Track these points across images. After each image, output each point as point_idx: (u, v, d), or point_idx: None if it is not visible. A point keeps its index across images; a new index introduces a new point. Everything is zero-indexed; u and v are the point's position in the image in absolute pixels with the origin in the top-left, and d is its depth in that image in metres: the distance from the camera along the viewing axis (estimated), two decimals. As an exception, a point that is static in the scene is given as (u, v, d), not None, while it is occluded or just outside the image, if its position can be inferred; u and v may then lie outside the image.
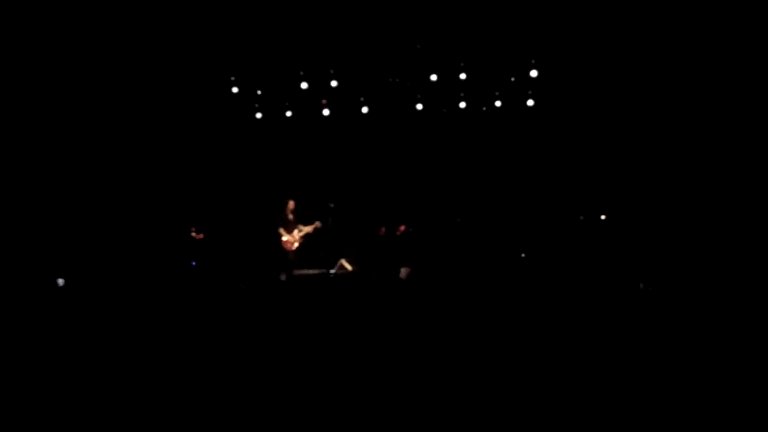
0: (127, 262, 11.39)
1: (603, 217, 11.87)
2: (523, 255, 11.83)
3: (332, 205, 11.28)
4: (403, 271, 10.45)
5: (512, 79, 12.30)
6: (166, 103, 12.52)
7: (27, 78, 10.86)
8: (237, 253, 12.29)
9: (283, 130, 13.49)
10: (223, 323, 6.80)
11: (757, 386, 4.22)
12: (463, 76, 12.24)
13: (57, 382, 4.61)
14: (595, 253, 11.02)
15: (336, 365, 4.93)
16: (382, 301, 8.27)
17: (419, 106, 12.81)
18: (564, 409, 3.89)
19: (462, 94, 12.64)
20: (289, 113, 13.15)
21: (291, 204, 11.12)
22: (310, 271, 10.81)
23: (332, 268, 10.83)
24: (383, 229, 11.88)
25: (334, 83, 12.49)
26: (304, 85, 12.51)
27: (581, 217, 11.99)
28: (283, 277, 10.54)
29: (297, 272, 10.81)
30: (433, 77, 12.29)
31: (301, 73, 12.47)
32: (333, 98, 12.86)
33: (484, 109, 12.74)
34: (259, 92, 13.01)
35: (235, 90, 12.83)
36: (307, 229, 11.05)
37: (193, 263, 12.02)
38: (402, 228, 11.75)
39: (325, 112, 12.96)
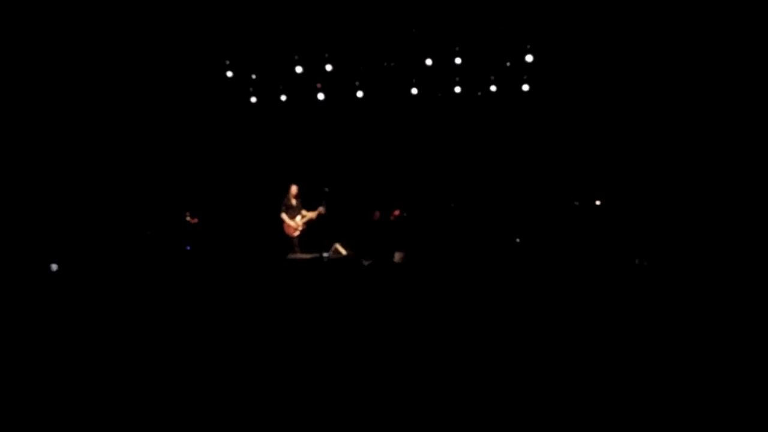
0: (120, 246, 11.35)
1: (598, 202, 11.88)
2: (517, 240, 11.82)
3: (327, 190, 11.24)
4: (397, 256, 10.44)
5: (507, 63, 12.25)
6: (160, 87, 12.45)
7: (14, 57, 10.76)
8: (231, 238, 12.25)
9: (277, 114, 13.42)
10: (217, 309, 6.78)
11: (755, 366, 4.23)
12: (458, 60, 12.20)
13: (51, 368, 4.59)
14: (590, 237, 11.02)
15: (330, 351, 4.92)
16: (376, 286, 8.26)
17: (414, 91, 12.76)
18: (562, 392, 3.89)
19: (457, 79, 12.60)
20: (283, 97, 13.09)
21: (294, 189, 11.05)
22: (304, 256, 10.77)
23: (327, 252, 10.79)
24: (377, 214, 11.87)
25: (329, 67, 12.42)
26: (298, 69, 12.44)
27: (576, 203, 11.99)
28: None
29: (291, 257, 10.78)
30: (428, 62, 12.24)
31: (296, 57, 12.40)
32: (328, 82, 12.80)
33: (479, 93, 12.70)
34: (253, 76, 12.94)
35: (229, 74, 12.76)
36: (311, 214, 10.98)
37: (188, 248, 12.00)
38: (396, 212, 11.75)
39: (320, 96, 12.90)
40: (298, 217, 10.89)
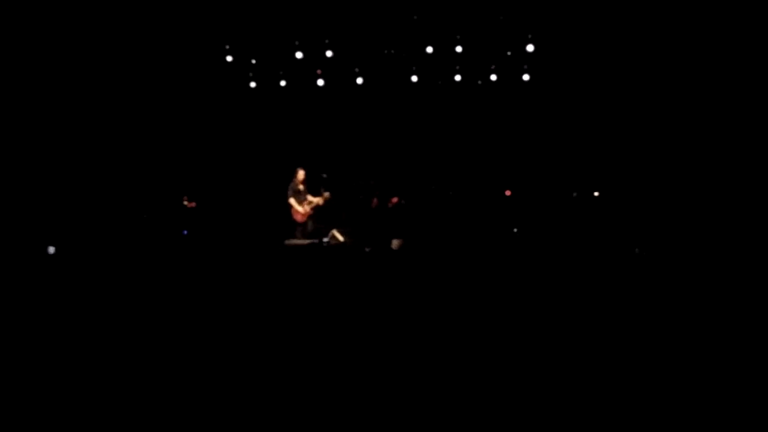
0: (118, 230, 11.33)
1: (596, 194, 11.89)
2: (515, 230, 11.83)
3: (324, 176, 11.21)
4: (395, 243, 10.44)
5: (508, 53, 12.23)
6: (158, 72, 12.39)
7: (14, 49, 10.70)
8: (228, 223, 12.24)
9: (276, 99, 13.38)
10: (214, 293, 6.77)
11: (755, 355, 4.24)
12: (459, 48, 12.16)
13: (47, 352, 4.57)
14: (588, 227, 11.04)
15: (326, 338, 4.91)
16: (374, 273, 8.26)
17: (414, 78, 12.73)
18: (561, 384, 3.89)
19: (457, 67, 12.57)
20: (283, 83, 13.05)
21: (301, 173, 10.95)
22: (302, 242, 10.75)
23: (326, 237, 10.78)
24: (376, 201, 11.86)
25: (329, 53, 12.38)
26: (298, 55, 12.39)
27: (574, 194, 11.99)
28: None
29: (288, 242, 10.76)
30: (429, 49, 12.20)
31: (296, 42, 12.35)
32: (328, 68, 12.75)
33: (480, 82, 12.68)
34: (253, 61, 12.89)
35: (229, 59, 12.71)
36: (317, 200, 10.92)
37: (185, 232, 11.98)
38: (394, 200, 11.74)
39: (320, 82, 12.85)
40: (305, 203, 10.82)
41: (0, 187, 10.48)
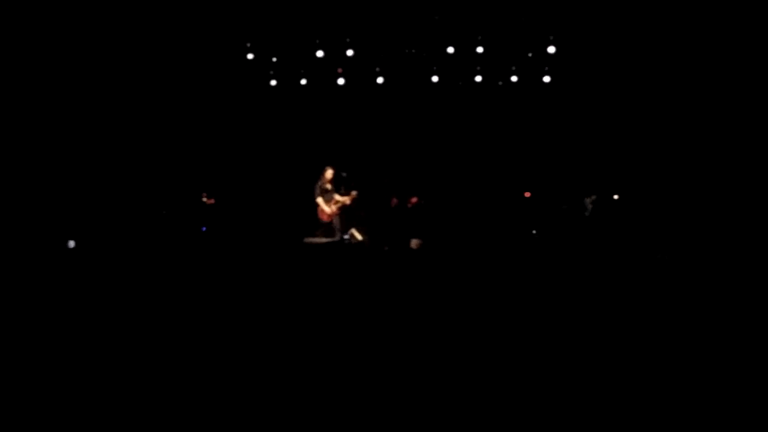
0: (137, 225, 11.38)
1: (616, 197, 11.79)
2: (534, 231, 11.77)
3: (344, 175, 11.19)
4: (414, 243, 10.42)
5: (529, 54, 12.18)
6: (180, 68, 12.44)
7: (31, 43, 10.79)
8: (247, 220, 12.26)
9: (297, 97, 13.39)
10: (232, 290, 6.78)
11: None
12: (480, 49, 12.12)
13: (65, 345, 4.60)
14: (609, 229, 10.96)
15: (344, 338, 4.89)
16: (393, 272, 8.25)
17: (435, 78, 12.70)
18: (577, 383, 3.86)
19: (478, 68, 12.53)
20: (303, 81, 13.06)
21: (329, 172, 10.80)
22: (321, 240, 10.74)
23: (346, 235, 10.74)
24: (395, 200, 11.84)
25: (350, 52, 12.37)
26: (319, 53, 12.39)
27: (593, 197, 11.89)
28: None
29: (308, 240, 10.76)
30: (450, 49, 12.17)
31: (317, 41, 12.35)
32: (348, 67, 12.75)
33: (500, 83, 12.63)
34: (274, 59, 12.90)
35: (250, 56, 12.73)
36: (344, 199, 10.78)
37: (204, 229, 12.02)
38: (414, 199, 11.72)
39: (340, 81, 12.85)
40: (332, 202, 10.70)
41: (24, 182, 10.56)
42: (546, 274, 8.01)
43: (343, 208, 10.85)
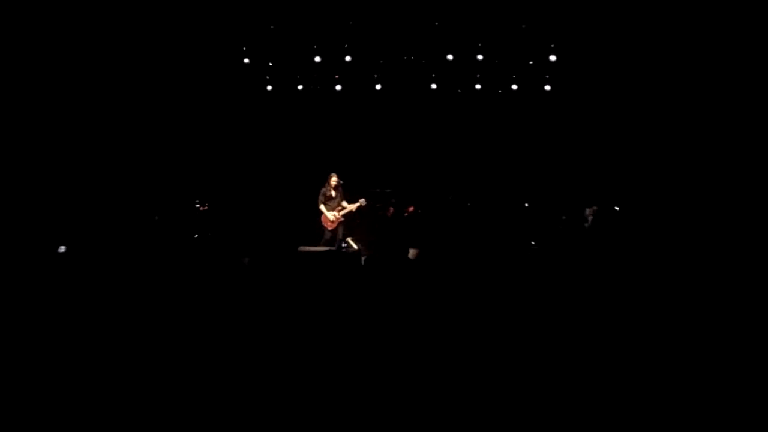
0: (129, 232, 11.22)
1: (617, 208, 11.67)
2: (533, 243, 11.62)
3: (341, 183, 11.03)
4: (412, 252, 10.25)
5: (530, 62, 12.07)
6: (175, 73, 12.31)
7: (28, 40, 10.65)
8: (241, 226, 12.10)
9: (293, 103, 13.25)
10: (225, 297, 6.65)
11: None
12: (480, 57, 12.01)
13: (56, 349, 4.52)
14: (610, 241, 10.83)
15: (339, 346, 4.78)
16: (389, 282, 8.10)
17: (434, 86, 12.59)
18: (575, 391, 3.80)
19: (478, 76, 12.42)
20: (300, 87, 12.92)
21: (333, 179, 10.52)
22: (316, 249, 10.56)
23: (343, 244, 10.56)
24: (391, 210, 11.70)
25: (347, 58, 12.24)
26: (317, 59, 12.26)
27: (594, 208, 11.76)
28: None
29: (302, 249, 10.58)
30: (450, 57, 12.05)
31: (315, 46, 12.22)
32: (346, 73, 12.62)
33: (500, 91, 12.52)
34: (270, 64, 12.77)
35: (246, 61, 12.60)
36: (351, 206, 10.56)
37: (196, 235, 11.86)
38: (410, 209, 11.58)
39: (338, 87, 12.72)
40: (337, 209, 10.46)
41: (14, 187, 10.41)
42: (545, 286, 7.89)
43: (348, 216, 10.65)
